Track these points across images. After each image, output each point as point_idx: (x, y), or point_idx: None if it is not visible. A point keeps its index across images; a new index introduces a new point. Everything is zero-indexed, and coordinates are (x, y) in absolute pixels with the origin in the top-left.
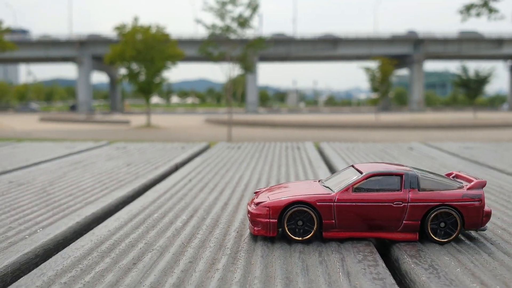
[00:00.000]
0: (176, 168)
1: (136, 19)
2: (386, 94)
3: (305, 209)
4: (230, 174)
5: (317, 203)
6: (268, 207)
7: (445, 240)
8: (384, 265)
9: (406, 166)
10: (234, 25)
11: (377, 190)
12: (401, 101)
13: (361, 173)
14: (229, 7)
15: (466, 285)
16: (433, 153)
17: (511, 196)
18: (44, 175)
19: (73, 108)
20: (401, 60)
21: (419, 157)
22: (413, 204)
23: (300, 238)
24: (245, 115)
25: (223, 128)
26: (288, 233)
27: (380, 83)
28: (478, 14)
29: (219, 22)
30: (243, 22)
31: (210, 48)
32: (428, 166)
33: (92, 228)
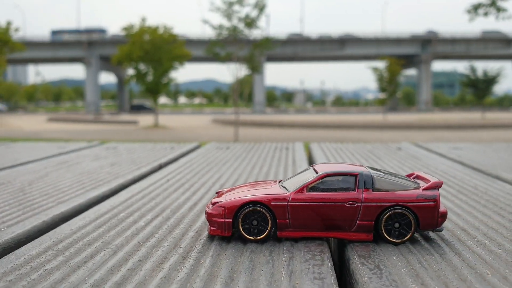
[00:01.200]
0: (159, 168)
1: (143, 19)
2: (394, 94)
3: (259, 209)
4: (209, 175)
5: (271, 203)
6: (223, 207)
7: (399, 241)
8: (330, 264)
9: (364, 166)
10: (241, 26)
11: (332, 190)
12: (409, 101)
13: (317, 173)
14: (236, 7)
15: (406, 285)
16: (420, 154)
17: (482, 197)
18: (27, 175)
19: (135, 108)
20: (409, 60)
21: (404, 158)
22: (366, 204)
23: (254, 238)
24: (252, 115)
25: (230, 128)
26: (243, 232)
27: (388, 83)
28: (486, 14)
29: (226, 23)
30: (250, 23)
31: (217, 48)
32: (410, 167)
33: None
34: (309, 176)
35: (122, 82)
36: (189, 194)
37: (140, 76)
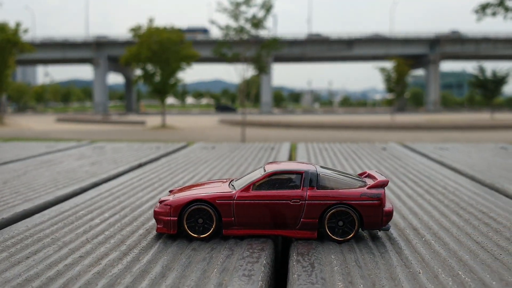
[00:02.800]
0: (138, 167)
1: (151, 20)
2: (402, 95)
3: (204, 207)
4: (183, 174)
5: (217, 201)
6: (169, 205)
7: (342, 239)
8: (265, 262)
9: (313, 165)
10: (248, 26)
11: (278, 188)
12: (417, 102)
13: (265, 172)
14: (243, 8)
15: (332, 283)
16: (402, 154)
17: (448, 197)
18: (5, 174)
19: (221, 108)
20: (417, 60)
21: (385, 157)
22: (310, 202)
23: (197, 236)
24: (259, 115)
25: (237, 128)
26: (188, 230)
27: (396, 83)
28: (493, 14)
29: (233, 23)
30: (257, 23)
31: (224, 49)
32: (388, 166)
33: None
34: (257, 174)
35: (130, 82)
36: (154, 193)
37: (147, 76)
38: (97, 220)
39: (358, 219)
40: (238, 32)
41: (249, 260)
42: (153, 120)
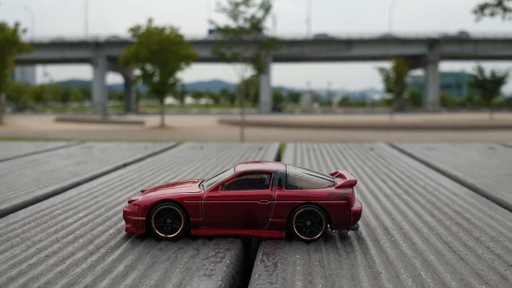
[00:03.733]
0: (123, 166)
1: (150, 20)
2: (401, 95)
3: (172, 207)
4: (165, 175)
5: (185, 201)
6: (137, 205)
7: (310, 238)
8: (229, 262)
9: (284, 165)
10: (247, 26)
11: (247, 188)
12: (416, 102)
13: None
14: (242, 8)
15: (292, 283)
16: (388, 154)
17: (425, 197)
18: None
19: (276, 109)
20: (416, 61)
21: (369, 157)
22: (278, 201)
23: (165, 236)
24: (259, 115)
25: (236, 128)
26: (156, 230)
27: (395, 83)
28: (492, 14)
29: (232, 23)
30: (255, 23)
31: (223, 49)
32: (371, 166)
33: None
34: (227, 175)
35: (129, 82)
36: (133, 193)
37: (146, 76)
38: (70, 220)
39: (326, 219)
40: (237, 32)
41: (213, 260)
42: (152, 120)
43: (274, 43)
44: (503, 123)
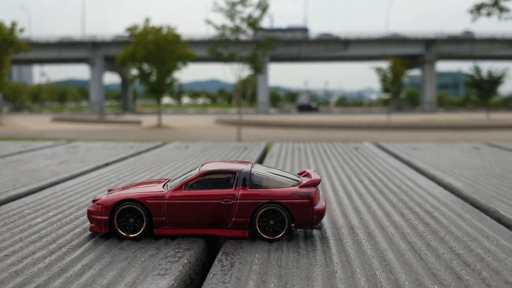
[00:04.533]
0: (105, 166)
1: (147, 20)
2: (398, 95)
3: (135, 206)
4: (144, 174)
5: (147, 201)
6: (100, 204)
7: (273, 238)
8: (187, 261)
9: (249, 164)
10: (243, 26)
11: (211, 188)
12: (413, 102)
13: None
14: (239, 7)
15: (245, 282)
16: (372, 153)
17: (399, 196)
18: None
19: (303, 108)
20: (413, 60)
21: (352, 157)
22: (242, 201)
23: (127, 235)
24: (256, 115)
25: (233, 128)
26: (118, 229)
27: (392, 83)
28: (488, 14)
29: (229, 23)
30: (252, 23)
31: (220, 48)
32: (352, 166)
33: None
34: (191, 174)
35: (126, 82)
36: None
37: (143, 76)
38: (39, 219)
39: (289, 218)
40: (234, 31)
41: (170, 260)
42: (149, 120)
43: (271, 42)
44: (499, 123)
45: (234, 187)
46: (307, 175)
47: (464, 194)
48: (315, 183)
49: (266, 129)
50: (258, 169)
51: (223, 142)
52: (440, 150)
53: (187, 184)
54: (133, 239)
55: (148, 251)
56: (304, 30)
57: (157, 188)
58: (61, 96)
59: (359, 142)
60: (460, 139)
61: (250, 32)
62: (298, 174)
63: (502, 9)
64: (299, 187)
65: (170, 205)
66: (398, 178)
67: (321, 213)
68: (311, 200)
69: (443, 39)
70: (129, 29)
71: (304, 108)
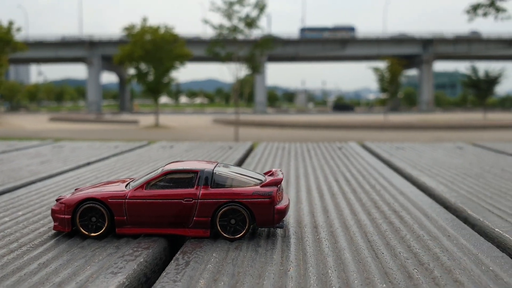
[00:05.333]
0: (87, 165)
1: (145, 19)
2: (395, 95)
3: (97, 205)
4: (123, 173)
5: (109, 200)
6: (63, 203)
7: (234, 237)
8: (143, 260)
9: (213, 163)
10: (241, 25)
11: (173, 187)
12: (411, 102)
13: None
14: (236, 7)
15: (196, 281)
16: (354, 153)
17: (369, 195)
18: None
19: (339, 108)
20: (410, 60)
21: (334, 157)
22: (203, 200)
23: (88, 234)
24: (253, 115)
25: (230, 128)
26: (80, 228)
27: (389, 83)
28: (485, 14)
29: (226, 22)
30: (250, 22)
31: (217, 48)
32: (331, 165)
33: None
34: (153, 174)
35: (123, 81)
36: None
37: (141, 76)
38: (6, 219)
39: (249, 217)
40: (231, 31)
41: (127, 258)
42: (146, 120)
43: (269, 42)
44: (496, 122)
45: (195, 187)
46: (272, 174)
47: (436, 194)
48: (276, 182)
49: (263, 129)
50: (222, 169)
51: (209, 142)
52: (423, 150)
53: (148, 184)
54: (95, 238)
55: (108, 249)
56: (351, 29)
57: (119, 188)
58: (58, 95)
59: (345, 142)
60: (456, 139)
61: (247, 31)
62: (265, 173)
63: (498, 9)
64: (261, 186)
65: (131, 205)
66: (373, 178)
67: (282, 212)
68: (272, 199)
69: (440, 39)
70: (126, 29)
71: (340, 108)
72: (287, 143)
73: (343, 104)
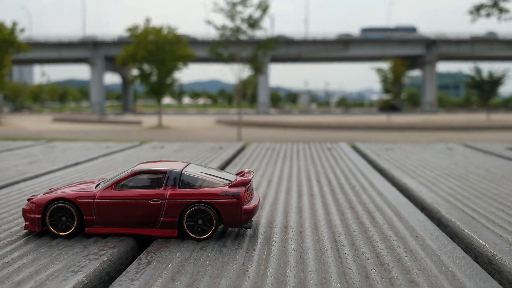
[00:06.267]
0: (75, 165)
1: (148, 20)
2: (398, 95)
3: (66, 205)
4: (107, 173)
5: (78, 200)
6: (34, 203)
7: (200, 237)
8: (107, 259)
9: (184, 164)
10: (244, 26)
11: (141, 188)
12: (414, 102)
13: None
14: (239, 8)
15: (154, 280)
16: (343, 154)
17: (347, 196)
18: None
19: (386, 108)
20: (413, 61)
21: (322, 157)
22: (170, 201)
23: (58, 232)
24: (256, 116)
25: (233, 129)
26: (50, 228)
27: (392, 84)
28: (488, 15)
29: (229, 23)
30: (253, 23)
31: (220, 49)
32: (317, 165)
33: None
34: (123, 174)
35: (126, 82)
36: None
37: (144, 76)
38: None
39: (216, 217)
40: (234, 32)
41: (91, 257)
42: (149, 120)
43: (272, 43)
44: (500, 123)
45: (163, 187)
46: (244, 174)
47: (414, 195)
48: (244, 183)
49: (266, 130)
50: (191, 170)
51: (200, 143)
52: (412, 151)
53: (117, 184)
54: (64, 237)
55: (75, 249)
56: (413, 29)
57: (89, 188)
58: (61, 96)
59: (336, 142)
60: (458, 140)
61: (250, 32)
62: (237, 174)
63: (501, 10)
64: (229, 186)
65: (100, 204)
66: (356, 178)
67: (250, 212)
68: (240, 199)
69: (443, 40)
70: (129, 29)
71: (387, 108)
72: (278, 143)
73: (389, 105)
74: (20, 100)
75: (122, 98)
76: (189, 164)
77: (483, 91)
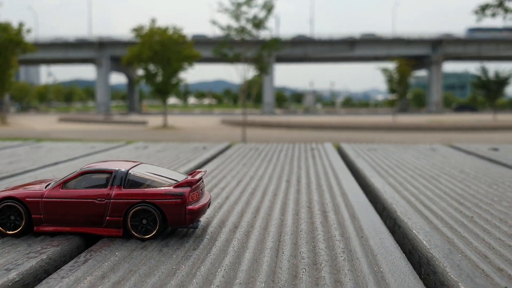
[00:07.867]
0: (54, 165)
1: (153, 20)
2: (404, 96)
3: (14, 204)
4: None
5: (26, 199)
6: None
7: (144, 237)
8: (46, 257)
9: (133, 163)
10: (249, 26)
11: (88, 187)
12: (420, 103)
13: None
14: (244, 8)
15: (83, 277)
16: (323, 154)
17: (310, 196)
18: None
19: (461, 108)
20: (419, 61)
21: (301, 157)
22: (115, 201)
23: (5, 231)
24: (261, 116)
25: (238, 129)
26: None
27: (398, 84)
28: (493, 15)
29: (234, 23)
30: (258, 23)
31: (225, 49)
32: (294, 165)
33: None
34: (71, 174)
35: (132, 82)
36: None
37: (149, 76)
38: None
39: (160, 217)
40: (239, 32)
41: (31, 256)
42: (155, 120)
43: (277, 43)
44: (506, 124)
45: (109, 187)
46: (193, 174)
47: (378, 195)
48: (190, 183)
49: (271, 130)
50: (138, 170)
51: (185, 143)
52: (393, 151)
53: (65, 184)
54: (13, 235)
55: (19, 247)
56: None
57: (38, 187)
58: (67, 96)
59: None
60: (464, 140)
61: (255, 32)
62: (189, 174)
63: (507, 10)
64: (174, 187)
65: (47, 203)
66: (326, 178)
67: (195, 212)
68: (184, 199)
69: (449, 40)
70: (135, 30)
71: (463, 108)
72: (263, 144)
73: (466, 105)
74: (26, 100)
75: (128, 98)
76: (140, 164)
77: (489, 91)
